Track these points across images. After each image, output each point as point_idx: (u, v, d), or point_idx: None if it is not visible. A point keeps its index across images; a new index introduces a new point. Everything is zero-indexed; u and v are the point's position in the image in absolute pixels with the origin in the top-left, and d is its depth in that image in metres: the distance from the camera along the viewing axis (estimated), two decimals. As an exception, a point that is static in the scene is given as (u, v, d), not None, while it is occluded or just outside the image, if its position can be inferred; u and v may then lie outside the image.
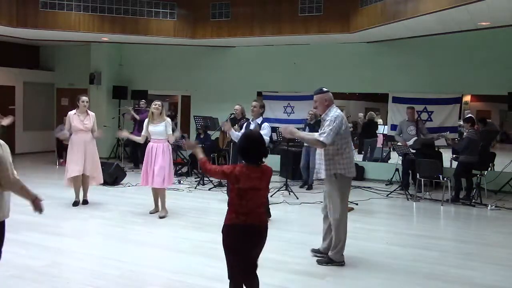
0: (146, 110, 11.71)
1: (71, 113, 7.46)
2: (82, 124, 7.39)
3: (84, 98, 7.51)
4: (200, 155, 3.59)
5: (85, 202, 7.59)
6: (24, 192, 3.43)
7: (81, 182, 7.51)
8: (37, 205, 3.47)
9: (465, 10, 7.03)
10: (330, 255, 5.03)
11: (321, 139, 4.80)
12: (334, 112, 4.93)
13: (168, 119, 7.04)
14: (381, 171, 10.93)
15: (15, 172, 3.34)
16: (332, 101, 5.05)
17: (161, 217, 6.85)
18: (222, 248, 3.36)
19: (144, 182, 6.98)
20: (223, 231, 3.37)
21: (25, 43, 13.26)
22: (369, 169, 11.13)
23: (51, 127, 13.95)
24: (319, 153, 4.99)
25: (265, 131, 6.33)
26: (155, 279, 4.63)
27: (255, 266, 3.45)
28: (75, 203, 7.48)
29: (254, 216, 3.33)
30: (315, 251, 5.30)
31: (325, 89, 5.07)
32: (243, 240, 3.30)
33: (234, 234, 3.30)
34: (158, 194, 7.01)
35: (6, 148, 3.30)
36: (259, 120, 6.68)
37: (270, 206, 7.92)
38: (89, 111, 7.57)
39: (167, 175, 6.84)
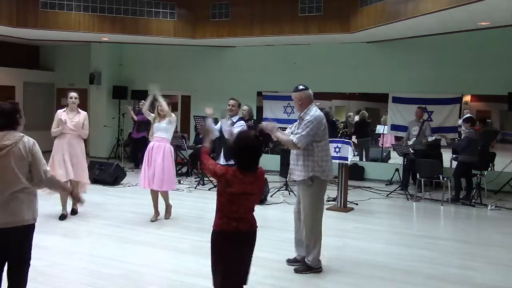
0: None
1: (60, 111, 6.69)
2: (70, 122, 6.58)
3: (73, 94, 6.68)
4: (207, 143, 3.38)
5: (74, 212, 6.84)
6: (58, 187, 3.62)
7: None
8: (76, 197, 3.66)
9: (465, 10, 7.02)
10: (308, 262, 4.79)
11: (295, 140, 4.58)
12: (314, 112, 4.67)
13: (173, 116, 6.69)
14: (381, 171, 10.93)
15: (48, 169, 3.41)
16: (311, 100, 4.76)
17: (166, 218, 6.78)
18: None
19: (144, 184, 6.59)
20: (213, 238, 3.17)
21: (25, 43, 13.26)
22: (369, 169, 11.12)
23: (51, 127, 13.93)
24: (295, 153, 4.75)
25: (238, 128, 6.06)
26: (155, 279, 4.63)
27: (246, 276, 3.25)
28: (62, 217, 6.61)
29: (245, 222, 3.16)
30: (291, 261, 4.99)
31: (301, 87, 4.78)
32: (235, 248, 3.12)
33: (226, 241, 3.12)
34: (160, 196, 6.70)
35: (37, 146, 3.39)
36: (234, 119, 6.40)
37: (269, 205, 7.93)
38: (80, 110, 6.77)
39: (166, 178, 6.48)
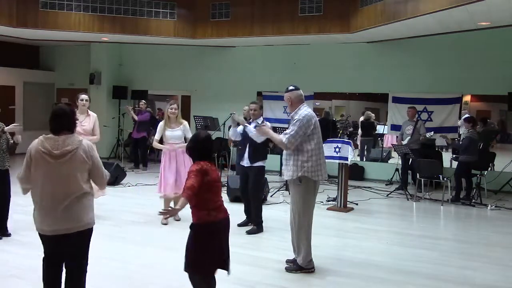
0: (146, 111, 11.77)
1: None
2: (80, 125, 6.21)
3: (84, 96, 6.57)
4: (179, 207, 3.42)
5: None
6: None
7: None
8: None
9: (465, 10, 7.03)
10: (299, 262, 4.78)
11: (284, 140, 4.58)
12: (303, 111, 4.66)
13: (185, 123, 6.63)
14: (381, 171, 10.93)
15: (106, 172, 3.42)
16: (301, 100, 4.76)
17: (177, 220, 6.59)
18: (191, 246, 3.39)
19: (163, 189, 6.52)
20: (195, 231, 3.38)
21: (25, 43, 13.25)
22: (369, 169, 11.12)
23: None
24: (286, 153, 4.73)
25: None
26: (155, 279, 4.63)
27: (227, 262, 3.53)
28: None
29: (220, 210, 3.48)
30: (290, 262, 4.93)
31: (291, 88, 4.79)
32: (217, 236, 3.41)
33: (210, 232, 3.38)
34: (176, 201, 6.57)
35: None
36: (259, 120, 6.60)
37: (269, 205, 7.92)
38: (90, 112, 6.61)
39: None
